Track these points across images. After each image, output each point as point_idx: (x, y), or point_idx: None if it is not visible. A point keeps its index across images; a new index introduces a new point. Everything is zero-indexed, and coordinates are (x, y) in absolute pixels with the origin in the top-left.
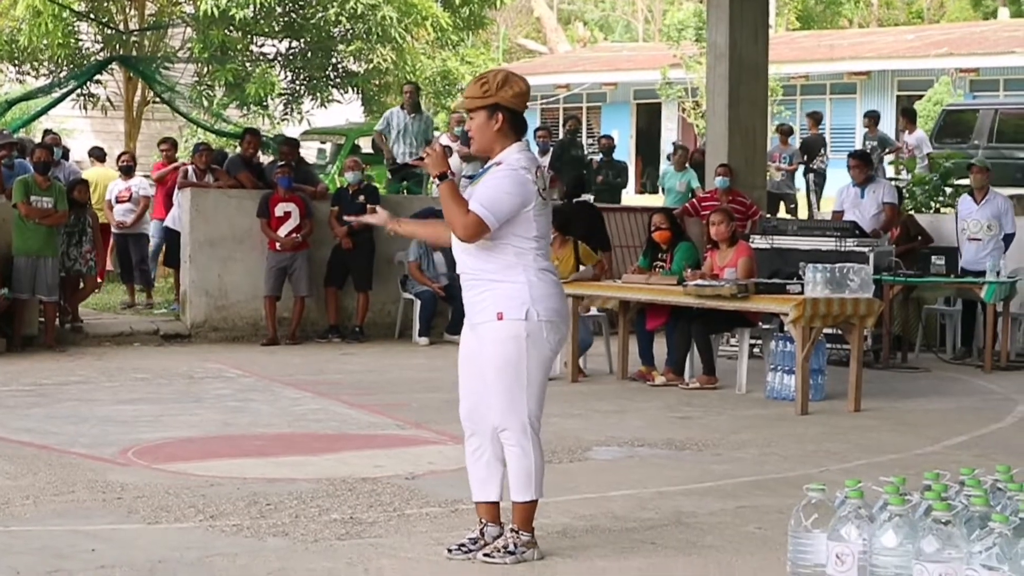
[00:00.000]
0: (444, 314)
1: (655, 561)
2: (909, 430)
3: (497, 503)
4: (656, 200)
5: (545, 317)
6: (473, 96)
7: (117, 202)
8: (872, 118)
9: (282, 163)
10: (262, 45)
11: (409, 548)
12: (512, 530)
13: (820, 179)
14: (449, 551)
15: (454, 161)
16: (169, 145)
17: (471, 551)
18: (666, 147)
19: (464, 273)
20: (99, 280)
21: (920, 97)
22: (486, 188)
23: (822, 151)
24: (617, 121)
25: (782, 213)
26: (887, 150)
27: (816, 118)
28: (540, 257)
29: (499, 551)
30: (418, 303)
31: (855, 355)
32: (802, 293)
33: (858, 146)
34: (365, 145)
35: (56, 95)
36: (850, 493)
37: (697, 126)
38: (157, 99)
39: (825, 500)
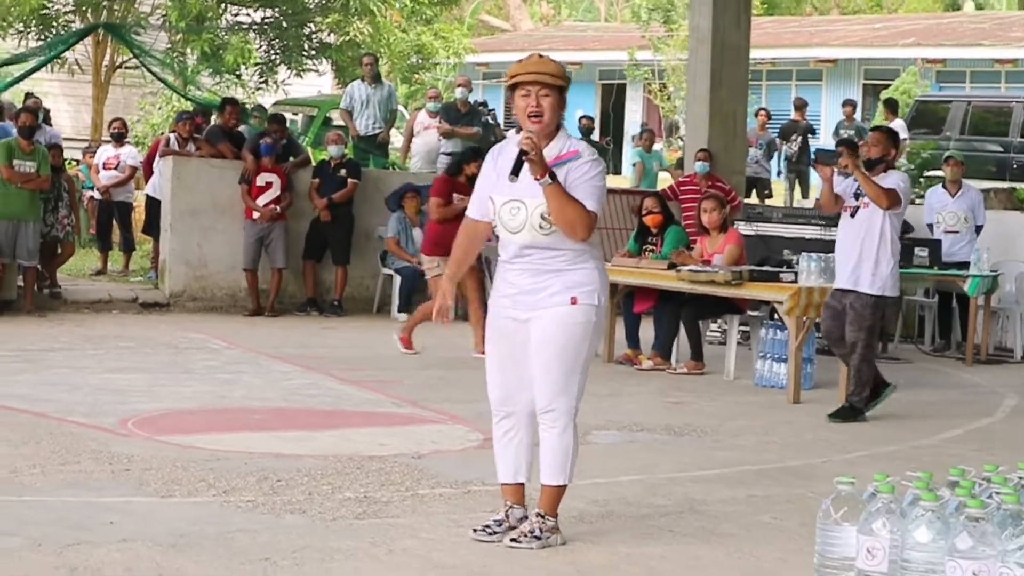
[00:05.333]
0: (423, 290)
1: (676, 548)
2: (901, 422)
3: (523, 485)
4: (621, 181)
5: (604, 301)
6: (556, 74)
7: (104, 168)
8: (851, 106)
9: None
10: (237, 14)
11: (429, 529)
12: (538, 514)
13: (792, 165)
14: (475, 531)
15: (430, 137)
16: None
17: (495, 532)
18: (630, 128)
19: (519, 260)
20: None
21: (887, 86)
22: (589, 184)
23: (795, 136)
24: (581, 101)
25: (754, 199)
26: (863, 140)
27: (799, 104)
28: (598, 241)
29: (525, 536)
30: (398, 279)
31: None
32: (795, 281)
33: (827, 134)
34: (337, 117)
35: (41, 59)
36: (881, 488)
37: (662, 107)
38: (127, 65)
39: (855, 493)
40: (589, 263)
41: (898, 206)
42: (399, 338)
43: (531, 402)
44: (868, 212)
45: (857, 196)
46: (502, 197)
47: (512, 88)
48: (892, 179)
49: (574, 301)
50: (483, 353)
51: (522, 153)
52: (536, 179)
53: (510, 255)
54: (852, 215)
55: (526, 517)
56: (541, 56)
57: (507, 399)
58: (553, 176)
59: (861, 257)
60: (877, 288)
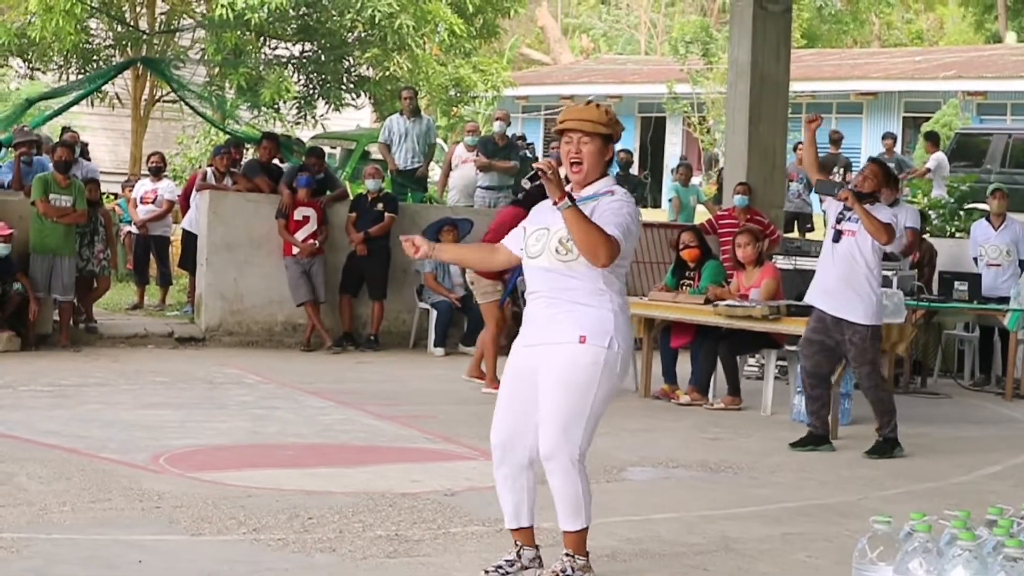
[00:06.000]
0: (459, 325)
1: None
2: (941, 457)
3: (530, 528)
4: (659, 215)
5: (623, 350)
6: (598, 121)
7: (141, 203)
8: (891, 139)
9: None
10: (275, 48)
11: (461, 568)
12: (567, 555)
13: None
14: (486, 572)
15: (467, 171)
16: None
17: (508, 572)
18: (670, 161)
19: (538, 291)
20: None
21: (927, 119)
22: (616, 215)
23: (836, 169)
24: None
25: (796, 232)
26: (904, 173)
27: (835, 138)
28: (623, 288)
29: None
30: (434, 313)
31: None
32: None
33: None
34: (375, 151)
35: (80, 93)
36: (918, 527)
37: (702, 140)
38: (165, 99)
39: (891, 533)
40: (607, 305)
41: (893, 239)
42: (487, 390)
43: (529, 447)
44: (854, 240)
45: (839, 220)
46: (533, 226)
47: (560, 134)
48: (887, 213)
49: (582, 340)
50: (495, 389)
51: (539, 171)
52: (554, 203)
53: (531, 287)
54: (835, 240)
55: (538, 557)
56: (589, 103)
57: (506, 443)
58: (572, 200)
59: (850, 287)
60: (872, 318)
